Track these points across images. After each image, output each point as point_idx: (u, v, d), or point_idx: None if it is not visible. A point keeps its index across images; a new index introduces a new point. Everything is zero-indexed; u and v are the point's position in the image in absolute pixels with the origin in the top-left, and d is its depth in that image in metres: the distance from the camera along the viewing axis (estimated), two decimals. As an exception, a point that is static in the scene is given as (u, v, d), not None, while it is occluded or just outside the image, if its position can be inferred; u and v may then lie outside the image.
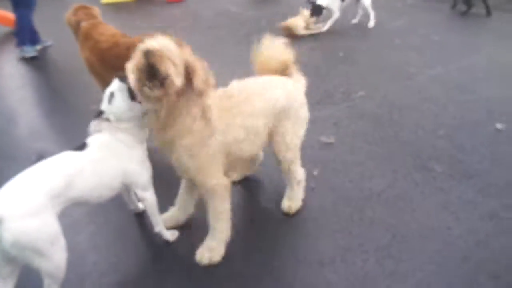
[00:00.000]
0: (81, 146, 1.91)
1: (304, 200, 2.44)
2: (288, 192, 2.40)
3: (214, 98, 1.89)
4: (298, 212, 2.38)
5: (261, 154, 2.64)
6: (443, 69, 4.39)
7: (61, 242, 1.71)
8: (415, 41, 5.30)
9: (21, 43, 5.24)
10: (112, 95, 1.90)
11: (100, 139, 1.93)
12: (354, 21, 6.07)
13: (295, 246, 2.19)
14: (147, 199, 2.07)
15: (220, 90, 2.00)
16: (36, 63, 5.16)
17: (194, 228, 2.29)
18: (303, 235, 2.27)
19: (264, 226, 2.34)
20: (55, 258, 1.68)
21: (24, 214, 1.58)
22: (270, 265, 2.07)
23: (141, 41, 1.83)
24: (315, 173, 2.72)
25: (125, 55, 2.96)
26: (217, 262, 2.07)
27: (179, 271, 2.06)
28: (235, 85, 2.07)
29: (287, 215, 2.38)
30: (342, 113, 3.53)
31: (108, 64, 2.97)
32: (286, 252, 2.15)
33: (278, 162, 2.28)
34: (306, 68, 2.39)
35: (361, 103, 3.72)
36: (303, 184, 2.41)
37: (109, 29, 3.13)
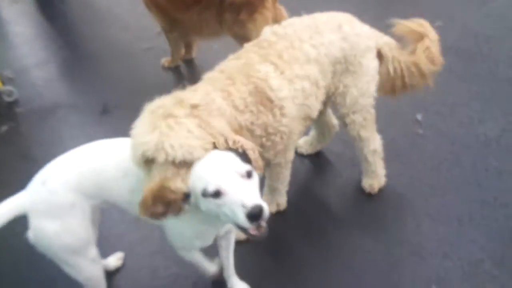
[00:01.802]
0: None
1: (418, 147, 2.25)
2: (364, 167, 2.02)
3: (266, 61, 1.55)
4: (382, 190, 2.06)
5: (336, 123, 2.19)
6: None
7: (89, 253, 1.43)
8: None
9: None
10: (218, 193, 1.08)
11: None
12: None
13: (424, 200, 2.01)
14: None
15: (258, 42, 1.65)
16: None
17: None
18: (428, 186, 2.08)
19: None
20: (81, 269, 1.44)
21: (45, 214, 1.32)
22: (399, 220, 1.91)
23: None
24: (419, 117, 2.47)
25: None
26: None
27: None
28: (274, 30, 1.68)
29: (370, 195, 2.07)
30: (423, 47, 3.18)
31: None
32: (418, 208, 1.99)
33: (344, 126, 1.89)
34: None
35: (441, 34, 3.34)
36: (381, 155, 1.99)
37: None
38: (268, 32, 1.68)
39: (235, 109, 1.42)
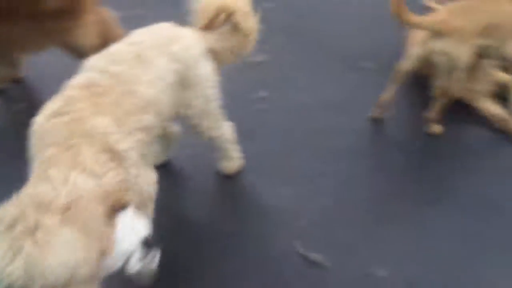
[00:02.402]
0: None
1: (264, 122, 2.44)
2: (220, 154, 2.11)
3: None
4: (239, 172, 2.19)
5: (178, 129, 2.16)
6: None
7: None
8: None
9: None
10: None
11: None
12: None
13: (276, 168, 2.23)
14: None
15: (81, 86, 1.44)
16: None
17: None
18: (278, 155, 2.30)
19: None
20: None
21: None
22: (258, 192, 2.08)
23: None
24: (263, 94, 2.67)
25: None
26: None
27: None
28: (105, 67, 1.50)
29: (229, 177, 2.18)
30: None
31: None
32: (273, 176, 2.19)
33: (196, 133, 1.93)
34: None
35: (270, 14, 3.60)
36: (233, 140, 2.08)
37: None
38: (97, 67, 1.51)
39: (99, 178, 1.26)
